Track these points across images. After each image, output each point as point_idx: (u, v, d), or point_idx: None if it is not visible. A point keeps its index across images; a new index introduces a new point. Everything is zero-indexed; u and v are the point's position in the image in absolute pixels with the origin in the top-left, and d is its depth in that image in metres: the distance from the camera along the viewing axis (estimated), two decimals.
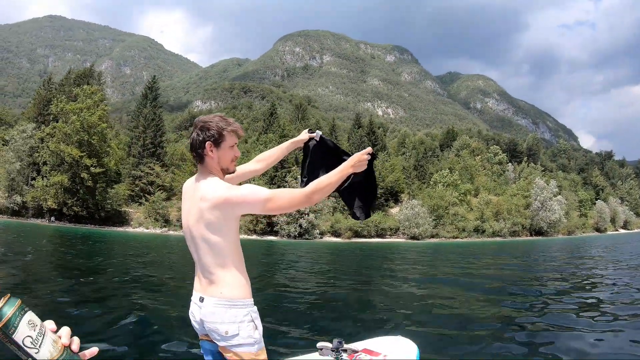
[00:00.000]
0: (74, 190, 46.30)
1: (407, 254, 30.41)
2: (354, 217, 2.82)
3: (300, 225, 49.94)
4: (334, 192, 2.45)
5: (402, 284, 12.77)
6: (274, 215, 46.36)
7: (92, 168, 45.93)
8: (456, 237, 62.06)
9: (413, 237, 58.34)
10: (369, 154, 2.30)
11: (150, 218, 50.08)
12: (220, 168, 2.31)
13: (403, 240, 57.61)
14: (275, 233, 50.96)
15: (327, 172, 2.37)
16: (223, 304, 2.16)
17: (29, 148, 48.74)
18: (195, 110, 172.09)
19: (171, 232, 48.53)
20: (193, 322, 2.32)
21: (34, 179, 47.88)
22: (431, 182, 73.04)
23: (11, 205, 46.54)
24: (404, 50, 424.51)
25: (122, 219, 50.02)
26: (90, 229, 43.22)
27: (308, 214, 49.54)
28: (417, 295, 10.81)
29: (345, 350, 3.19)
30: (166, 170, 56.53)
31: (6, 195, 47.00)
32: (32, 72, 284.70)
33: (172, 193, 53.71)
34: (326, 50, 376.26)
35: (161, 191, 51.77)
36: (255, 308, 2.25)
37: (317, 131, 2.88)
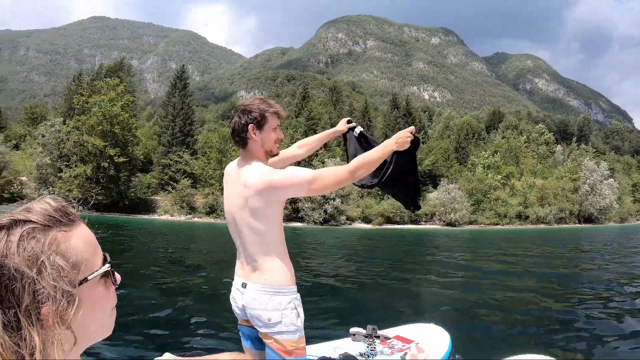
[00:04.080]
0: (97, 180, 46.66)
1: (443, 241, 29.41)
2: (407, 207, 2.74)
3: (325, 211, 47.89)
4: (378, 185, 2.59)
5: (438, 274, 12.36)
6: (299, 201, 45.03)
7: (115, 157, 46.09)
8: (497, 224, 58.10)
9: (449, 224, 54.97)
10: (411, 133, 2.25)
11: (176, 205, 49.88)
12: (265, 151, 2.24)
13: (438, 226, 54.43)
14: (301, 219, 49.29)
15: None
16: (267, 291, 2.11)
17: (58, 142, 49.55)
18: (239, 99, 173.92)
19: (196, 219, 48.05)
20: (234, 307, 2.28)
21: (62, 170, 48.75)
22: (469, 165, 69.00)
23: (40, 197, 47.50)
24: (449, 32, 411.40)
25: (148, 207, 50.06)
26: (116, 217, 43.53)
27: (334, 199, 47.28)
28: (453, 285, 10.59)
29: (378, 337, 3.25)
30: (196, 159, 56.15)
31: (36, 187, 48.08)
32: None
33: (200, 180, 53.37)
34: (369, 35, 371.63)
35: (187, 179, 51.33)
36: (298, 295, 2.20)
37: (358, 127, 2.88)
